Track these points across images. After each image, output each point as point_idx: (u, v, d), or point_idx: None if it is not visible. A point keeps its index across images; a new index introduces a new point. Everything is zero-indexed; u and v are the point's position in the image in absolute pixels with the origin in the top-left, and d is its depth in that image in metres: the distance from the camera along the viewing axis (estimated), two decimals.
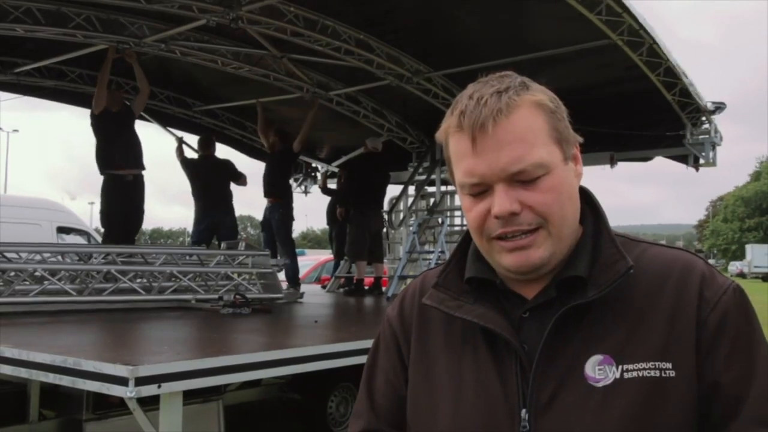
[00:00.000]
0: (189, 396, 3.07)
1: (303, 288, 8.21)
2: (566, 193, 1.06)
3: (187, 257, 6.34)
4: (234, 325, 4.84)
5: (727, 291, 1.04)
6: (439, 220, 9.38)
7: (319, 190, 11.22)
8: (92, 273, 5.50)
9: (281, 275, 7.26)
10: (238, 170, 8.12)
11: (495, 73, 1.09)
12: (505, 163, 1.01)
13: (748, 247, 50.29)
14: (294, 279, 7.74)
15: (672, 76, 6.71)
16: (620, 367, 1.00)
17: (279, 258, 7.50)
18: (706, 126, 7.93)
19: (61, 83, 8.36)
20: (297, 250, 8.95)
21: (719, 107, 7.77)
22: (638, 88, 7.11)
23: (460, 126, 1.04)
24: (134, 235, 7.32)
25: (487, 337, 1.09)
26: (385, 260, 9.73)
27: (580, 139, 1.10)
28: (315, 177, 11.81)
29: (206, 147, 8.17)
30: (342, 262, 9.58)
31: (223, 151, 10.31)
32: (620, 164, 8.63)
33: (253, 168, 8.80)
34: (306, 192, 11.92)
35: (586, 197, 1.14)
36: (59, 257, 5.82)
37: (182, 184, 8.35)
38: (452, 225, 9.41)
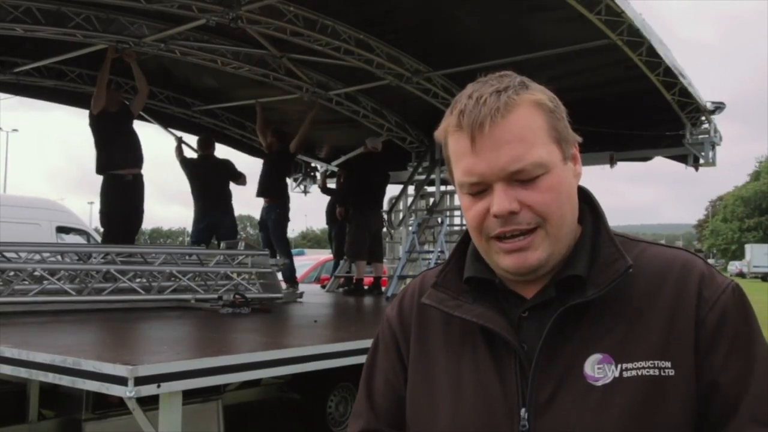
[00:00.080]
0: (188, 396, 3.06)
1: (302, 288, 8.22)
2: (565, 193, 1.06)
3: (187, 257, 6.34)
4: (233, 325, 4.84)
5: (726, 290, 1.04)
6: (439, 220, 9.38)
7: (318, 190, 11.22)
8: (92, 273, 5.50)
9: (279, 275, 7.27)
10: (238, 170, 8.12)
11: (494, 73, 1.09)
12: (504, 162, 1.01)
13: (748, 247, 50.32)
14: (291, 278, 7.75)
15: (671, 75, 6.71)
16: (619, 366, 1.01)
17: (279, 258, 7.51)
18: (706, 126, 7.93)
19: (61, 83, 8.36)
20: (297, 250, 8.97)
21: (719, 107, 7.77)
22: (638, 88, 7.10)
23: (459, 125, 1.04)
24: (134, 234, 7.32)
25: (487, 336, 1.09)
26: (384, 260, 9.73)
27: (579, 139, 1.10)
28: (314, 177, 11.81)
29: (206, 147, 8.17)
30: (341, 262, 9.58)
31: (223, 150, 10.33)
32: (620, 164, 8.64)
33: (253, 168, 8.81)
34: (305, 192, 11.92)
35: (585, 197, 1.14)
36: (59, 257, 5.82)
37: (182, 183, 8.36)
38: (452, 225, 9.41)
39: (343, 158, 10.75)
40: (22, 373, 3.01)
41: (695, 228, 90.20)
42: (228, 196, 8.08)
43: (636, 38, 5.99)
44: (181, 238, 74.62)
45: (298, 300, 7.18)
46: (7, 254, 5.31)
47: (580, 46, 6.50)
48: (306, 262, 14.11)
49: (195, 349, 3.87)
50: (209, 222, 7.81)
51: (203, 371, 2.91)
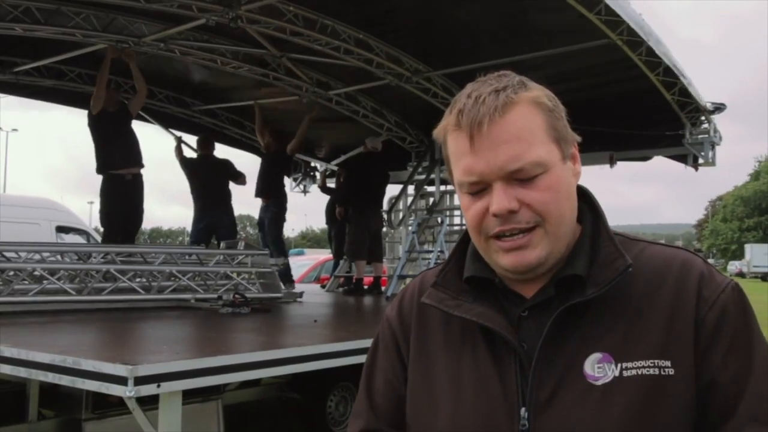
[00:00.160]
0: (188, 395, 3.07)
1: (302, 287, 8.22)
2: (564, 192, 1.06)
3: (187, 257, 6.35)
4: (233, 325, 4.84)
5: (726, 290, 1.04)
6: (439, 220, 9.38)
7: (318, 190, 11.22)
8: (91, 272, 5.50)
9: None
10: (237, 170, 8.13)
11: (494, 73, 1.09)
12: (503, 161, 1.01)
13: (747, 247, 50.32)
14: (287, 277, 7.75)
15: (671, 75, 6.71)
16: (619, 365, 1.01)
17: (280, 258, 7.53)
18: (706, 126, 7.93)
19: (60, 82, 8.35)
20: (296, 250, 9.00)
21: (719, 108, 7.77)
22: (638, 88, 7.10)
23: (458, 124, 1.04)
24: (134, 234, 7.32)
25: (486, 335, 1.09)
26: (384, 260, 9.74)
27: (579, 138, 1.11)
28: (314, 176, 11.81)
29: (205, 147, 8.17)
30: (341, 262, 9.58)
31: (222, 150, 10.33)
32: (619, 164, 8.64)
33: (252, 167, 8.81)
34: (305, 191, 11.92)
35: (585, 196, 1.14)
36: (58, 257, 5.82)
37: (181, 183, 8.35)
38: (451, 224, 9.40)
39: (342, 157, 10.75)
40: (22, 372, 3.01)
41: (695, 228, 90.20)
42: (227, 195, 8.09)
43: (636, 38, 5.99)
44: (180, 238, 74.63)
45: (298, 300, 7.17)
46: (7, 254, 5.31)
47: (579, 45, 6.50)
48: (306, 261, 14.12)
49: (195, 348, 3.87)
50: (209, 222, 7.81)
51: (203, 371, 2.91)
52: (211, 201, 7.86)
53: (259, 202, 8.48)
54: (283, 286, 7.14)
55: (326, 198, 10.56)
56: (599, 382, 1.01)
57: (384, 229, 9.89)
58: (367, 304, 7.68)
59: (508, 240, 1.04)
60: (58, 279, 5.29)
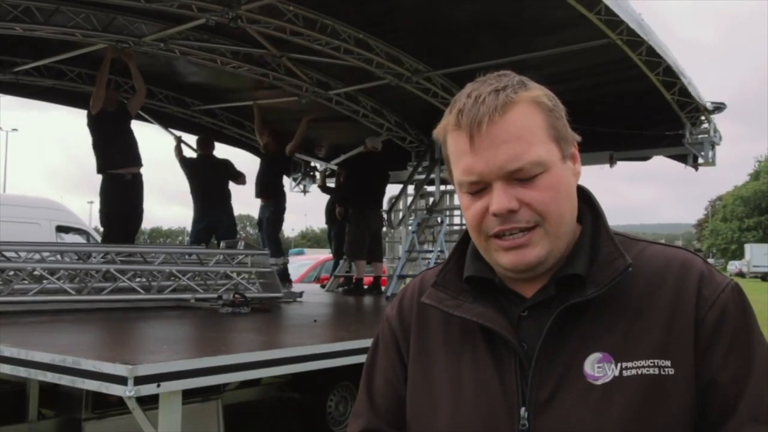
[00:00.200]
0: (188, 395, 3.07)
1: (302, 287, 8.22)
2: (564, 192, 1.06)
3: (187, 256, 6.34)
4: (233, 325, 4.84)
5: (726, 289, 1.04)
6: (439, 220, 9.38)
7: (317, 189, 11.22)
8: (91, 272, 5.50)
9: None
10: (237, 170, 8.13)
11: (494, 72, 1.09)
12: (503, 161, 1.01)
13: (747, 247, 50.31)
14: (284, 276, 7.75)
15: (671, 75, 6.71)
16: (619, 365, 1.01)
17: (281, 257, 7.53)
18: (706, 125, 7.93)
19: (60, 82, 8.35)
20: (296, 250, 9.00)
21: (719, 107, 7.77)
22: (638, 88, 7.10)
23: (458, 124, 1.04)
24: (134, 234, 7.32)
25: (486, 335, 1.09)
26: (384, 259, 9.73)
27: (579, 138, 1.11)
28: (314, 176, 11.81)
29: (205, 146, 8.17)
30: (341, 262, 9.58)
31: (222, 150, 10.33)
32: (619, 164, 8.64)
33: (253, 167, 8.81)
34: (305, 191, 11.92)
35: (585, 196, 1.14)
36: (58, 256, 5.82)
37: (181, 183, 8.36)
38: (451, 224, 9.40)
39: (342, 157, 10.75)
40: (22, 372, 3.01)
41: (695, 227, 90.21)
42: (227, 195, 8.09)
43: (636, 38, 5.99)
44: (180, 238, 74.63)
45: (298, 299, 7.17)
46: (7, 253, 5.31)
47: (579, 45, 6.50)
48: (305, 261, 14.12)
49: (195, 348, 3.87)
50: (209, 222, 7.81)
51: (203, 371, 2.91)
52: (211, 201, 7.86)
53: (259, 201, 8.49)
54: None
55: (326, 197, 10.57)
56: (599, 382, 1.00)
57: (384, 229, 9.89)
58: (367, 303, 7.68)
59: (508, 239, 1.04)
60: (58, 279, 5.29)
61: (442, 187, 9.90)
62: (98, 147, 6.76)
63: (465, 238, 1.18)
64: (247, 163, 9.42)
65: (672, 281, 1.05)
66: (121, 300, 5.47)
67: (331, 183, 11.09)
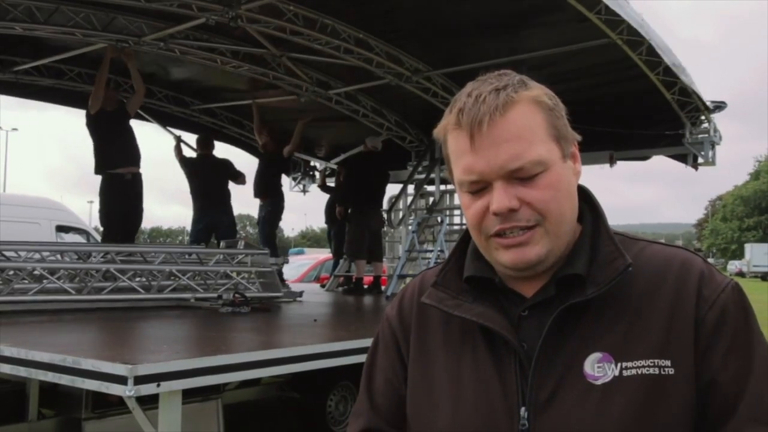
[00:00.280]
0: (188, 395, 3.06)
1: (302, 287, 8.21)
2: (564, 191, 1.06)
3: (186, 256, 6.35)
4: (233, 324, 4.84)
5: (726, 289, 1.04)
6: (439, 219, 9.38)
7: (317, 189, 11.22)
8: (91, 272, 5.50)
9: None
10: (237, 169, 8.13)
11: (494, 72, 1.09)
12: (503, 160, 1.01)
13: (747, 247, 50.30)
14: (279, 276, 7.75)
15: (671, 74, 6.71)
16: (619, 364, 1.01)
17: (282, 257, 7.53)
18: (706, 125, 7.94)
19: (60, 82, 8.35)
20: (296, 249, 8.99)
21: (719, 107, 7.77)
22: (638, 88, 7.10)
23: (458, 123, 1.04)
24: (134, 234, 7.32)
25: (486, 335, 1.09)
26: (384, 259, 9.74)
27: (579, 137, 1.11)
28: (314, 175, 11.81)
29: (205, 146, 8.17)
30: (341, 261, 9.59)
31: (222, 149, 10.33)
32: (619, 163, 8.64)
33: (252, 167, 8.82)
34: (304, 190, 11.92)
35: (585, 196, 1.14)
36: (58, 256, 5.81)
37: (181, 183, 8.37)
38: (451, 224, 9.41)
39: (342, 156, 10.75)
40: (22, 372, 3.01)
41: (695, 227, 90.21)
42: (227, 195, 8.09)
43: (636, 37, 5.99)
44: (180, 237, 74.64)
45: (298, 299, 7.18)
46: (7, 253, 5.31)
47: (579, 45, 6.50)
48: (305, 261, 14.12)
49: (195, 348, 3.87)
50: (208, 222, 7.81)
51: (203, 370, 2.91)
52: (211, 200, 7.86)
53: (258, 201, 8.49)
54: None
55: (326, 197, 10.57)
56: (599, 382, 1.00)
57: (384, 229, 9.89)
58: (367, 303, 7.68)
59: (508, 238, 1.04)
60: (58, 278, 5.29)
61: (442, 187, 9.91)
62: (97, 147, 6.75)
63: (465, 237, 1.18)
64: (246, 162, 9.43)
65: (672, 281, 1.05)
66: (121, 299, 5.47)
67: (331, 182, 11.09)
